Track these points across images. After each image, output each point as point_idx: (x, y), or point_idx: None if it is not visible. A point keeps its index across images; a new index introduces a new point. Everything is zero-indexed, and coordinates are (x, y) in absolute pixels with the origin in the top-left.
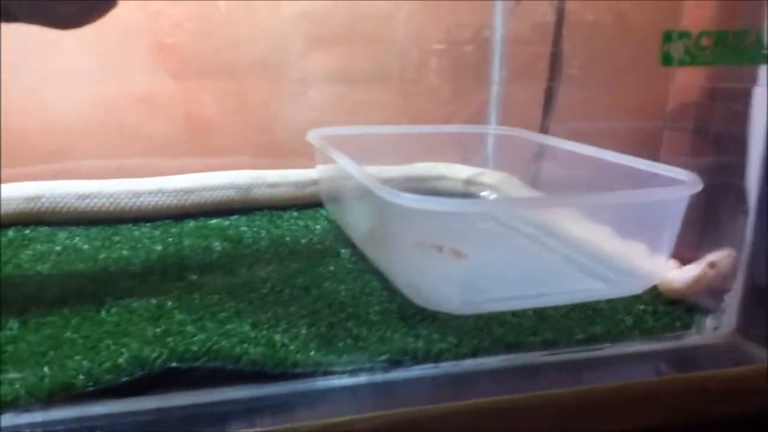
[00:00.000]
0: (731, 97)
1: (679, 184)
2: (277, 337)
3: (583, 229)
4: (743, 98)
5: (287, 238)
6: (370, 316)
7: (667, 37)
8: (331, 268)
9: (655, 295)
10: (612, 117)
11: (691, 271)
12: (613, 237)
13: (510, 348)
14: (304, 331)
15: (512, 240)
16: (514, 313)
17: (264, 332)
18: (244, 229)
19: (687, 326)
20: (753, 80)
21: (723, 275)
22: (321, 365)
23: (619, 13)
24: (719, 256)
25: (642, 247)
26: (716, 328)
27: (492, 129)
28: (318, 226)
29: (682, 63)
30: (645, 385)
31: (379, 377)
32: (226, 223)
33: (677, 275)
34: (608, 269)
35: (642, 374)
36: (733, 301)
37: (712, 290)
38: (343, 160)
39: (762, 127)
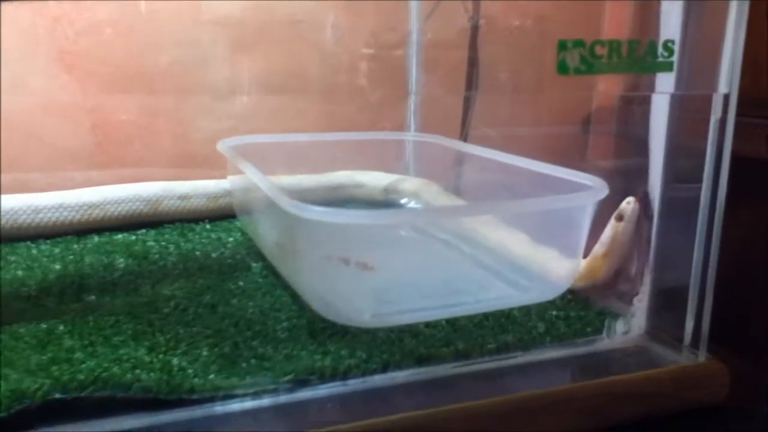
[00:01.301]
0: (642, 102)
1: (587, 189)
2: (175, 360)
3: (499, 235)
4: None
5: (197, 253)
6: (278, 334)
7: (562, 45)
8: (241, 284)
9: (567, 300)
10: (535, 123)
11: (603, 236)
12: (527, 243)
13: (422, 361)
14: (205, 353)
15: (427, 248)
16: (427, 324)
17: (161, 356)
18: (151, 243)
19: (598, 331)
20: (651, 87)
21: (634, 223)
22: (221, 389)
23: (540, 18)
24: (621, 206)
25: (554, 253)
26: (626, 332)
27: (411, 136)
28: (231, 239)
29: (577, 72)
30: (556, 392)
31: (284, 398)
32: (133, 237)
33: (596, 249)
34: (522, 276)
35: (554, 381)
36: (641, 304)
37: (620, 294)
38: (249, 170)
39: (661, 133)
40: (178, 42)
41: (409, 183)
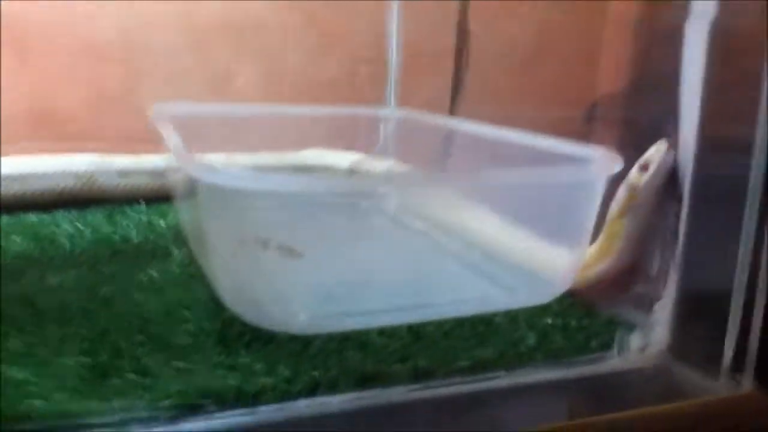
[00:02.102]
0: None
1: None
2: (20, 373)
3: (486, 225)
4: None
5: (115, 237)
6: (178, 339)
7: None
8: (154, 274)
9: (566, 305)
10: (533, 107)
11: (619, 194)
12: (519, 234)
13: (367, 381)
14: (71, 363)
15: (389, 235)
16: (382, 332)
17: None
18: (65, 226)
19: (606, 346)
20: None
21: (663, 179)
22: (68, 415)
23: None
24: (647, 153)
25: (550, 245)
26: (643, 347)
27: (390, 111)
28: (163, 223)
29: None
30: (550, 430)
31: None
32: (48, 218)
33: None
34: (509, 272)
35: (547, 414)
36: (663, 312)
37: (637, 298)
38: (170, 138)
39: (695, 81)
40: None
41: (376, 164)
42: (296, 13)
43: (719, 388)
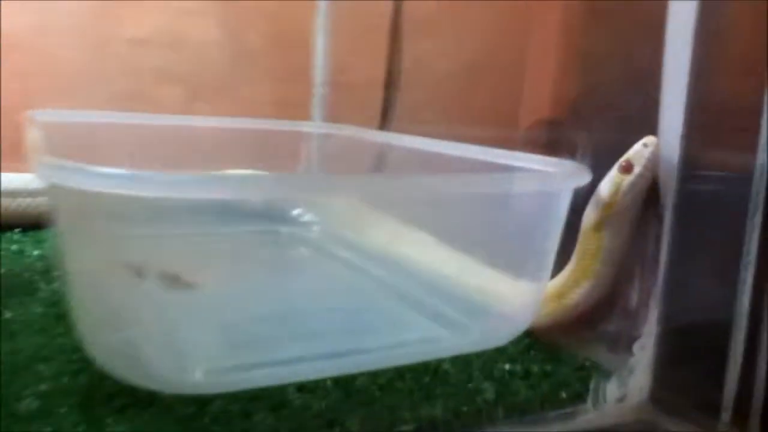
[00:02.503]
0: None
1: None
2: None
3: (429, 253)
4: None
5: None
6: (23, 404)
7: None
8: (8, 315)
9: (525, 346)
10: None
11: (599, 194)
12: (467, 262)
13: None
14: None
15: (314, 269)
16: (302, 387)
17: None
18: None
19: (578, 397)
20: None
21: (648, 181)
22: None
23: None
24: (632, 150)
25: (506, 275)
26: (621, 398)
27: (315, 127)
28: (36, 252)
29: None
30: None
31: None
32: None
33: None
34: (458, 310)
35: None
36: (644, 353)
37: (611, 337)
38: (34, 142)
39: (681, 68)
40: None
41: None
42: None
43: None
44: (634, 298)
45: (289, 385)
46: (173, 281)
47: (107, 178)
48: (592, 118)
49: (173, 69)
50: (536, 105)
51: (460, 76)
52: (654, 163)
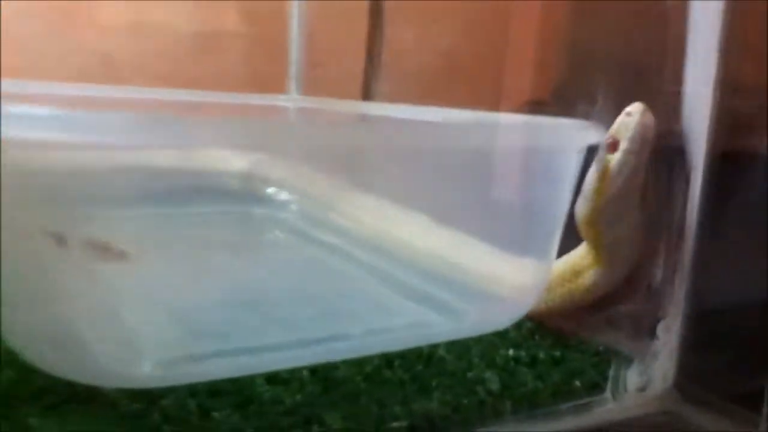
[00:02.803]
0: None
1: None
2: None
3: (419, 233)
4: None
5: None
6: None
7: None
8: None
9: (530, 330)
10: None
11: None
12: (461, 240)
13: None
14: None
15: (289, 251)
16: (272, 379)
17: None
18: None
19: (594, 386)
20: None
21: (638, 156)
22: None
23: None
24: (616, 123)
25: (505, 252)
26: (643, 387)
27: (290, 100)
28: None
29: None
30: None
31: None
32: None
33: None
34: (452, 292)
35: None
36: (669, 337)
37: (631, 318)
38: None
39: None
40: None
41: (278, 167)
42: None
43: None
44: (658, 274)
45: (258, 376)
46: (103, 251)
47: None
48: (577, 101)
49: (143, 48)
50: (518, 90)
51: (440, 63)
52: (644, 133)
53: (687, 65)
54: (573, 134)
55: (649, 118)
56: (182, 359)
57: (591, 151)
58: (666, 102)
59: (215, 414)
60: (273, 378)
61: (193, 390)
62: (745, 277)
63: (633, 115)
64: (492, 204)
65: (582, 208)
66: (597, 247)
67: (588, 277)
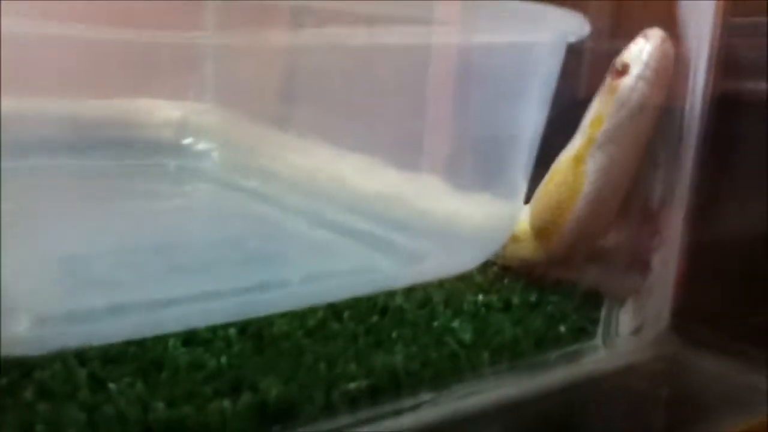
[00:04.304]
0: None
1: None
2: None
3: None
4: None
5: None
6: None
7: None
8: None
9: (497, 274)
10: None
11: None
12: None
13: None
14: None
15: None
16: (190, 339)
17: None
18: None
19: (580, 331)
20: None
21: (654, 86)
22: None
23: None
24: (626, 51)
25: (466, 187)
26: (637, 329)
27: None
28: None
29: None
30: None
31: None
32: None
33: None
34: (404, 234)
35: None
36: (666, 271)
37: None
38: None
39: None
40: None
41: (209, 115)
42: None
43: None
44: (654, 194)
45: (170, 336)
46: None
47: None
48: None
49: None
50: None
51: None
52: (662, 62)
53: None
54: (543, 22)
55: (669, 48)
56: (68, 316)
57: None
58: None
59: (112, 385)
60: (191, 338)
61: (83, 356)
62: (748, 203)
63: (651, 39)
64: (442, 132)
65: (574, 143)
66: (572, 194)
67: (555, 235)
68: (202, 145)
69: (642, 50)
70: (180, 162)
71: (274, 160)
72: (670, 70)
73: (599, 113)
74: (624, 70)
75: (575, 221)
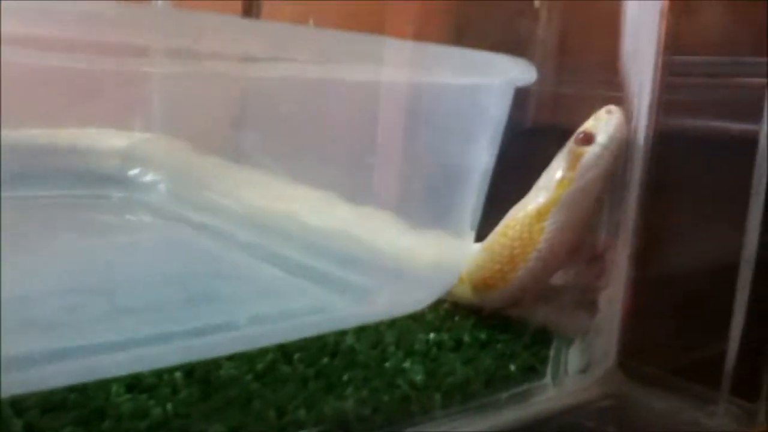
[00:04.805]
0: None
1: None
2: None
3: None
4: None
5: None
6: None
7: None
8: None
9: (447, 312)
10: None
11: (547, 177)
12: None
13: None
14: None
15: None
16: (134, 385)
17: None
18: None
19: (530, 370)
20: None
21: (614, 154)
22: None
23: None
24: (593, 118)
25: (418, 223)
26: (585, 367)
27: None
28: None
29: None
30: None
31: None
32: None
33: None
34: (355, 272)
35: None
36: (611, 311)
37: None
38: None
39: None
40: None
41: (154, 145)
42: None
43: (717, 425)
44: (599, 238)
45: (113, 382)
46: None
47: None
48: None
49: None
50: None
51: None
52: (622, 134)
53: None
54: (497, 68)
55: (625, 122)
56: (4, 362)
57: (519, 97)
58: None
59: None
60: (135, 383)
61: (20, 405)
62: (691, 241)
63: (614, 113)
64: (394, 168)
65: (536, 200)
66: (528, 245)
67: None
68: (149, 177)
69: (608, 123)
70: (126, 194)
71: (223, 193)
72: (627, 141)
73: (565, 176)
74: (589, 139)
75: (525, 274)
